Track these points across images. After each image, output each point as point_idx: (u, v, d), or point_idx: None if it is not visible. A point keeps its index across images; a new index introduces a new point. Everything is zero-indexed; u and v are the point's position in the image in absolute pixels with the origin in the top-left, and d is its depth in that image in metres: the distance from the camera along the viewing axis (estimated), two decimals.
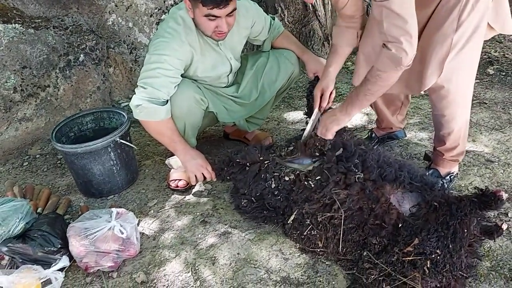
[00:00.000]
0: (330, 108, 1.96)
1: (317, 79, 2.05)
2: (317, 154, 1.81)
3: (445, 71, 1.62)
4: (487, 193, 1.50)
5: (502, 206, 1.56)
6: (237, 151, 1.96)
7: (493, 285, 1.53)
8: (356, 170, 1.67)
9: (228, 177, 1.96)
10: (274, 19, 2.19)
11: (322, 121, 1.83)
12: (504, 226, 1.59)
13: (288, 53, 2.18)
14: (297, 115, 2.75)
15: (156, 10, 3.06)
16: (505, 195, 1.51)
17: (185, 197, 2.07)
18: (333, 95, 1.94)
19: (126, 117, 2.11)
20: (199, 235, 1.83)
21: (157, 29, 2.01)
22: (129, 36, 2.98)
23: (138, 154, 2.38)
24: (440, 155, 1.94)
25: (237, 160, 1.89)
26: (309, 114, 2.05)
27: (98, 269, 1.68)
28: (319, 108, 1.93)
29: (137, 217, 1.92)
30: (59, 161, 2.45)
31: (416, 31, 1.48)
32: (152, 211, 2.00)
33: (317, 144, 1.82)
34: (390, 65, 1.54)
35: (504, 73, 3.06)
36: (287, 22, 3.30)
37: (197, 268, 1.67)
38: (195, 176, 2.00)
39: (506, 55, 3.27)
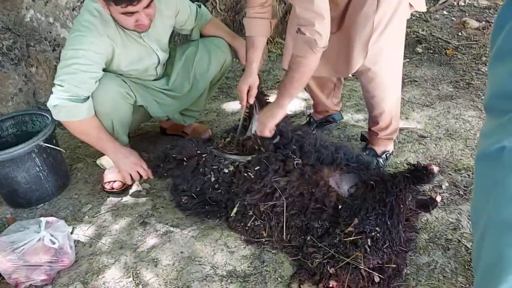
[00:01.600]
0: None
1: None
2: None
3: (371, 53, 1.64)
4: (419, 167, 1.55)
5: (434, 179, 1.61)
6: (173, 146, 1.89)
7: (431, 256, 1.58)
8: (294, 156, 1.66)
9: (165, 174, 1.88)
10: (200, 6, 2.12)
11: (260, 120, 1.79)
12: (438, 198, 1.65)
13: (219, 41, 2.12)
14: (236, 104, 2.70)
15: (78, 3, 2.87)
16: (436, 169, 1.56)
17: (121, 199, 1.97)
18: (256, 91, 1.90)
19: (50, 119, 1.96)
20: (139, 238, 1.75)
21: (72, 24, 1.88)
22: (50, 33, 2.77)
23: (68, 157, 2.23)
24: (374, 135, 1.98)
25: (173, 155, 1.81)
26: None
27: (30, 284, 1.56)
28: (246, 105, 1.89)
29: (70, 224, 1.82)
30: None
31: (328, 11, 1.47)
32: (86, 216, 1.88)
33: (258, 143, 1.78)
34: (307, 49, 1.52)
35: (432, 51, 3.18)
36: (219, 10, 3.23)
37: (138, 272, 1.59)
38: (130, 175, 1.90)
39: (433, 33, 3.40)
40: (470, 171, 1.96)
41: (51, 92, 1.77)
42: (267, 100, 1.99)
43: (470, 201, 1.79)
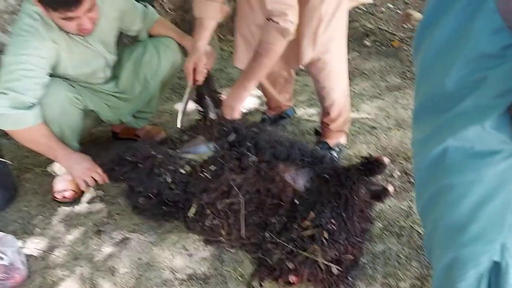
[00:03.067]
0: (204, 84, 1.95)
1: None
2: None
3: (319, 43, 1.70)
4: (370, 159, 1.59)
5: (385, 170, 1.66)
6: (127, 149, 1.84)
7: (386, 244, 1.64)
8: (250, 154, 1.67)
9: (121, 177, 1.84)
10: (147, 6, 2.08)
11: (225, 104, 1.81)
12: (391, 188, 1.70)
13: (167, 40, 2.09)
14: (190, 105, 2.66)
15: (18, 7, 2.74)
16: (387, 160, 1.61)
17: (74, 208, 1.90)
18: (209, 66, 1.93)
19: None
20: (94, 247, 1.70)
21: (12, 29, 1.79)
22: None
23: (16, 168, 2.13)
24: (327, 127, 2.02)
25: (128, 158, 1.77)
26: (199, 102, 2.00)
27: None
28: (193, 82, 1.90)
29: (21, 238, 1.74)
30: None
31: (296, 1, 1.53)
32: (37, 229, 1.80)
33: (223, 127, 1.78)
34: (279, 36, 1.58)
35: (379, 43, 3.27)
36: (168, 10, 3.17)
37: (95, 282, 1.55)
38: (85, 181, 1.84)
39: (380, 26, 3.50)
40: None
41: None
42: (221, 98, 1.99)
43: None
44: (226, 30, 3.48)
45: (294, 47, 1.71)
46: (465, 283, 0.82)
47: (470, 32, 0.65)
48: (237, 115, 1.79)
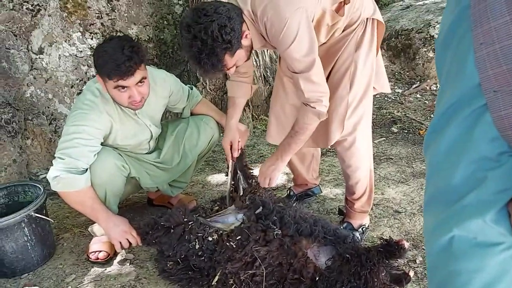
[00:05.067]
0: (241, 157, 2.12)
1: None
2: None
3: (346, 126, 1.85)
4: (391, 242, 1.65)
5: (405, 253, 1.70)
6: (162, 214, 1.98)
7: None
8: (275, 227, 1.75)
9: (153, 241, 1.95)
10: (192, 88, 2.33)
11: (262, 173, 1.95)
12: (411, 273, 1.73)
13: (207, 119, 2.30)
14: (221, 177, 2.82)
15: (77, 81, 3.08)
16: (407, 244, 1.67)
17: (106, 269, 2.00)
18: (242, 143, 2.12)
19: (42, 190, 2.04)
20: None
21: (74, 102, 2.05)
22: (48, 107, 2.95)
23: (56, 227, 2.28)
24: (351, 206, 2.09)
25: (162, 223, 1.89)
26: (231, 174, 2.15)
27: None
28: (232, 159, 2.07)
29: None
30: None
31: (327, 85, 1.72)
32: (69, 287, 1.90)
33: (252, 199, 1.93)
34: (315, 118, 1.74)
35: (406, 131, 3.40)
36: (209, 90, 3.46)
37: None
38: (120, 243, 1.96)
39: (407, 115, 3.66)
40: None
41: (49, 164, 1.89)
42: (252, 173, 2.14)
43: None
44: (260, 110, 3.73)
45: (323, 128, 1.86)
46: None
47: (471, 139, 0.77)
48: (273, 185, 1.94)
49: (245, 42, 1.62)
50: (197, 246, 1.82)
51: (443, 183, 0.84)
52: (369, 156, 2.04)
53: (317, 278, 1.62)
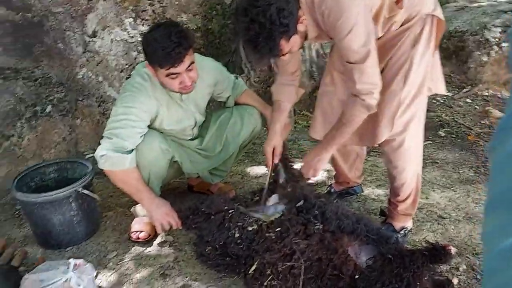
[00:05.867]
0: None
1: None
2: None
3: (396, 125, 1.78)
4: (437, 247, 1.59)
5: (451, 260, 1.64)
6: (203, 200, 2.00)
7: None
8: (316, 222, 1.74)
9: (193, 226, 1.98)
10: (237, 77, 2.33)
11: (307, 164, 1.93)
12: (455, 281, 1.67)
13: (251, 109, 2.30)
14: (260, 169, 2.82)
15: (126, 66, 3.16)
16: (453, 250, 1.61)
17: (146, 249, 2.05)
18: (284, 136, 2.10)
19: (91, 168, 2.11)
20: None
21: (124, 85, 2.09)
22: (98, 90, 3.04)
23: (101, 205, 2.35)
24: (394, 208, 2.04)
25: (203, 208, 1.92)
26: (272, 172, 2.13)
27: None
28: (271, 165, 2.05)
29: (95, 269, 1.88)
30: (17, 212, 2.38)
31: (380, 78, 1.68)
32: (111, 263, 1.96)
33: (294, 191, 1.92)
34: (364, 110, 1.71)
35: (454, 135, 3.28)
36: (253, 82, 3.46)
37: None
38: (161, 224, 2.00)
39: (456, 119, 3.52)
40: None
41: (96, 144, 1.94)
42: (292, 166, 2.12)
43: None
44: (303, 105, 3.69)
45: (370, 125, 1.82)
46: None
47: None
48: (317, 175, 1.93)
49: (301, 27, 1.58)
50: (236, 235, 1.83)
51: (509, 185, 0.80)
52: (418, 159, 1.98)
53: (356, 276, 1.59)
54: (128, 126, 1.89)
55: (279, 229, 1.77)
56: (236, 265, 1.83)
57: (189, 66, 1.87)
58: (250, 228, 1.83)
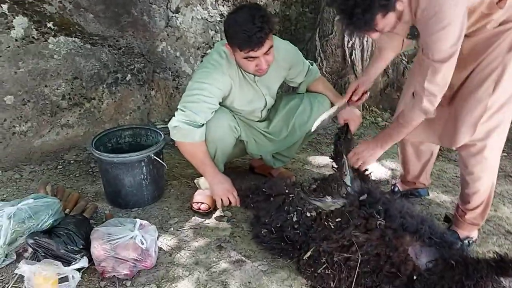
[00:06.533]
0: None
1: (346, 126, 2.13)
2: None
3: (478, 131, 1.71)
4: (506, 259, 1.52)
5: None
6: (264, 181, 2.03)
7: None
8: (378, 217, 1.71)
9: (252, 205, 2.02)
10: (312, 64, 2.31)
11: (357, 153, 1.93)
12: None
13: (322, 98, 2.28)
14: (322, 159, 2.81)
15: (203, 44, 3.25)
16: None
17: (205, 220, 2.12)
18: (367, 95, 2.07)
19: (163, 137, 2.21)
20: (214, 259, 1.87)
21: (201, 61, 2.15)
22: (174, 64, 3.15)
23: (167, 174, 2.46)
24: (462, 216, 1.96)
25: (263, 189, 1.95)
26: (335, 159, 2.12)
27: (114, 275, 1.73)
28: (348, 100, 2.04)
29: (157, 232, 1.99)
30: (91, 169, 2.56)
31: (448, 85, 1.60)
32: (172, 228, 2.05)
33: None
34: (421, 115, 1.68)
35: None
36: (324, 72, 3.43)
37: None
38: (221, 199, 2.06)
39: None
40: None
41: (167, 116, 2.02)
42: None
43: None
44: (373, 101, 3.61)
45: (451, 128, 1.75)
46: None
47: None
48: (363, 168, 1.91)
49: (399, 6, 1.49)
50: (294, 219, 1.84)
51: None
52: (495, 169, 1.88)
53: (414, 277, 1.56)
54: (201, 101, 1.95)
55: (339, 219, 1.76)
56: (291, 250, 1.85)
57: (267, 51, 1.89)
58: (308, 214, 1.83)
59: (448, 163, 2.81)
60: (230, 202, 2.07)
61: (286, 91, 3.16)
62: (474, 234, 2.00)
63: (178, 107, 2.00)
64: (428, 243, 1.63)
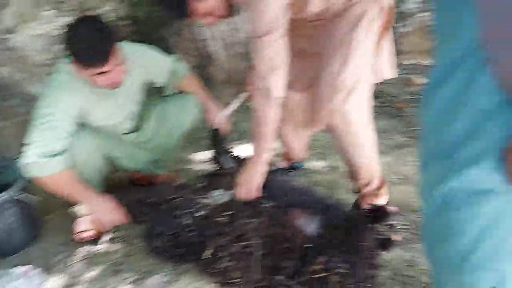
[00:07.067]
0: None
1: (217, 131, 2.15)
2: None
3: (340, 111, 1.73)
4: (378, 208, 1.70)
5: (391, 218, 1.76)
6: (149, 191, 1.97)
7: None
8: (264, 200, 1.78)
9: (141, 219, 1.95)
10: (178, 61, 2.24)
11: (241, 183, 1.83)
12: (396, 237, 1.79)
13: (190, 97, 2.24)
14: (203, 155, 2.81)
15: (47, 61, 2.98)
16: (394, 209, 1.72)
17: (94, 248, 1.99)
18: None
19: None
20: (112, 285, 1.77)
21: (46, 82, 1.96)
22: (19, 88, 2.85)
23: (42, 208, 2.23)
24: (359, 189, 2.03)
25: (150, 199, 1.89)
26: (215, 160, 2.14)
27: None
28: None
29: (42, 275, 1.81)
30: None
31: (285, 63, 1.57)
32: (60, 266, 1.88)
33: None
34: (264, 102, 1.61)
35: (385, 105, 3.47)
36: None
37: None
38: (107, 222, 1.95)
39: (385, 90, 3.72)
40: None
41: (22, 149, 1.80)
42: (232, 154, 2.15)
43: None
44: (242, 87, 3.70)
45: (311, 110, 1.80)
46: None
47: (469, 92, 0.80)
48: (253, 196, 1.81)
49: None
50: (186, 222, 1.83)
51: (440, 138, 0.88)
52: (369, 142, 1.92)
53: (307, 247, 1.66)
54: (52, 128, 1.77)
55: (229, 212, 1.79)
56: (190, 253, 1.83)
57: (117, 61, 1.79)
58: (199, 214, 1.83)
59: (319, 132, 3.01)
60: (118, 223, 1.96)
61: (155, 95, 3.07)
62: (382, 201, 2.04)
63: (27, 140, 1.79)
64: (313, 212, 1.75)
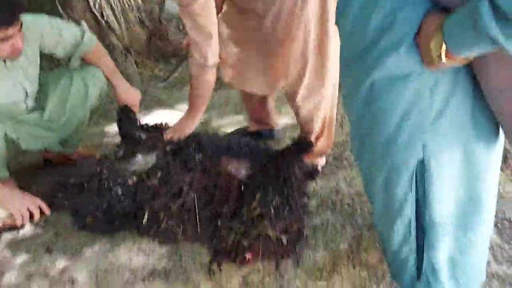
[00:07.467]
0: None
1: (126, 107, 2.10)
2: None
3: (291, 76, 1.77)
4: (301, 140, 1.82)
5: (313, 148, 1.89)
6: (69, 171, 1.87)
7: (323, 216, 1.85)
8: (194, 153, 1.80)
9: (65, 203, 1.85)
10: (84, 32, 2.03)
11: (176, 130, 1.96)
12: (322, 161, 1.92)
13: (95, 70, 2.08)
14: (115, 127, 2.72)
15: None
16: (312, 137, 1.85)
17: (18, 234, 1.85)
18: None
19: None
20: (47, 264, 1.69)
21: None
22: None
23: None
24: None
25: (72, 180, 1.80)
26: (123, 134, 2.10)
27: None
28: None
29: None
30: None
31: (215, 31, 1.64)
32: None
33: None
34: (200, 69, 1.72)
35: None
36: None
37: None
38: (22, 216, 1.79)
39: None
40: (342, 146, 2.34)
41: None
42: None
43: (345, 168, 2.14)
44: (142, 55, 3.60)
45: (268, 75, 1.81)
46: (400, 187, 1.04)
47: None
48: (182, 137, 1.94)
49: None
50: (118, 192, 1.79)
51: (360, 38, 0.97)
52: (328, 102, 1.91)
53: (242, 189, 1.74)
54: None
55: (160, 173, 1.78)
56: (126, 222, 1.80)
57: (18, 26, 1.65)
58: (130, 182, 1.80)
59: (232, 91, 3.07)
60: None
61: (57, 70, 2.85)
62: (321, 162, 2.14)
63: None
64: (241, 155, 1.82)
